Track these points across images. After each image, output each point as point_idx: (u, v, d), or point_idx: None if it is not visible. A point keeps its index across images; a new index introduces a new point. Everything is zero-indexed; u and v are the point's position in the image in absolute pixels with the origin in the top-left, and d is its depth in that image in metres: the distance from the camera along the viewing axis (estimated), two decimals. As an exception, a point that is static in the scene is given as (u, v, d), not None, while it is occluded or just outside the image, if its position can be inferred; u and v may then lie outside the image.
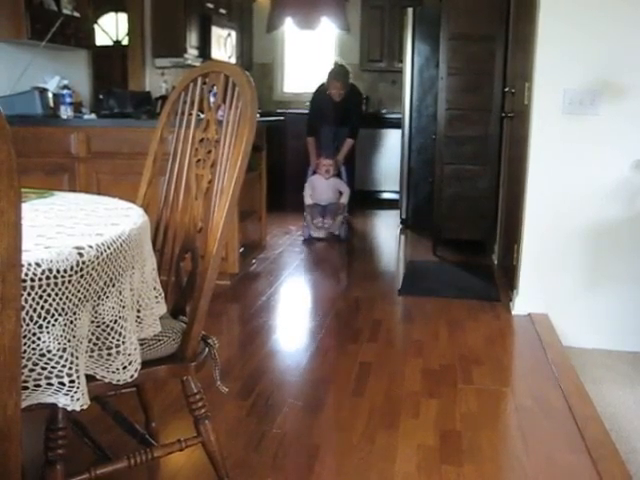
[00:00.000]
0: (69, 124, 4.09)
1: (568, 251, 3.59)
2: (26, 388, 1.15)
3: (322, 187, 5.90)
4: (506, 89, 4.86)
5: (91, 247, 1.22)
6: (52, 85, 4.34)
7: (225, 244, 3.76)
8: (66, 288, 1.15)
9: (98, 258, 1.22)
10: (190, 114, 1.90)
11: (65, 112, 4.19)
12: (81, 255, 1.18)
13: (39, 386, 1.16)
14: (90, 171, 4.02)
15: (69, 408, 1.21)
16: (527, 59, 3.76)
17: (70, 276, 1.16)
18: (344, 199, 5.90)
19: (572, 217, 3.55)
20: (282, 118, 7.08)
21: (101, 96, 4.65)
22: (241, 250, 4.17)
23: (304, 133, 6.30)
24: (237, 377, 2.80)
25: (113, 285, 1.28)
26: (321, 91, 6.17)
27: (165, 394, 2.55)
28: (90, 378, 1.31)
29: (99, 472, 1.61)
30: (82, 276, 1.18)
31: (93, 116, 4.37)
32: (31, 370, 1.14)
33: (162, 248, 1.89)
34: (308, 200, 5.88)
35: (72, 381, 1.18)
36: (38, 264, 1.10)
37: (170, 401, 2.50)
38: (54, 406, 1.24)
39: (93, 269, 1.21)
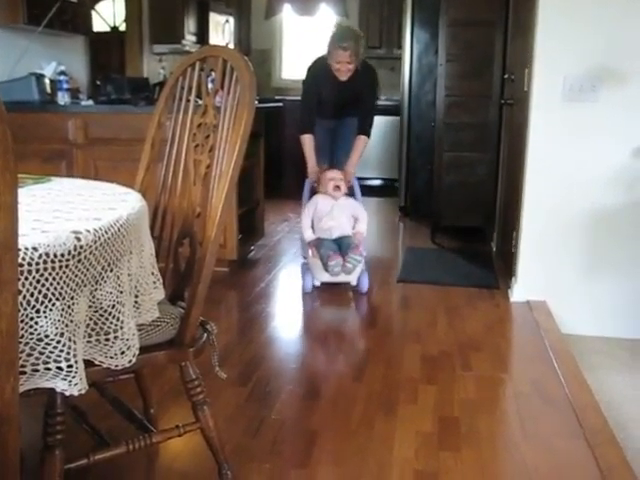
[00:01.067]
0: (66, 110, 4.07)
1: (567, 238, 3.59)
2: (24, 373, 1.15)
3: (331, 212, 3.90)
4: (505, 76, 4.84)
5: (89, 231, 1.21)
6: (49, 71, 4.32)
7: (223, 231, 3.76)
8: (64, 273, 1.14)
9: (96, 242, 1.22)
10: (188, 99, 1.89)
11: (62, 98, 4.17)
12: (79, 239, 1.17)
13: (37, 371, 1.16)
14: (88, 158, 4.01)
15: (67, 393, 1.21)
16: (527, 45, 3.74)
17: (67, 260, 1.15)
18: (361, 226, 3.97)
19: (571, 204, 3.54)
20: (281, 104, 7.06)
21: (98, 82, 4.63)
22: (239, 237, 4.16)
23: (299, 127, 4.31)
24: (236, 363, 2.80)
25: (111, 270, 1.28)
26: (319, 67, 4.13)
27: (164, 380, 2.55)
28: (88, 363, 1.31)
29: (98, 457, 1.61)
30: (80, 261, 1.17)
31: (90, 102, 4.35)
32: (29, 355, 1.14)
33: (160, 234, 1.89)
34: (309, 234, 3.92)
35: (70, 366, 1.18)
36: (35, 248, 1.10)
37: (169, 387, 2.50)
38: (52, 391, 1.24)
39: (91, 254, 1.20)
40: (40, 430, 1.52)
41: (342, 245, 3.78)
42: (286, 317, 3.54)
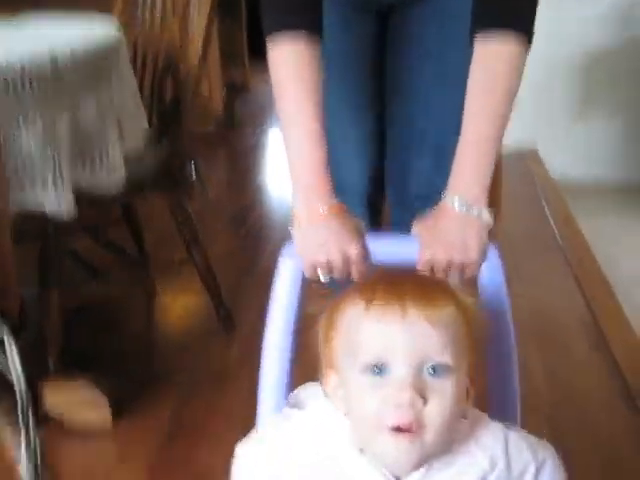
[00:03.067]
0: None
1: (558, 81, 3.51)
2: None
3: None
4: None
5: (66, 53, 1.18)
6: None
7: (208, 82, 3.59)
8: (43, 92, 1.12)
9: (74, 64, 1.19)
10: None
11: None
12: (55, 60, 1.16)
13: (24, 189, 1.14)
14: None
15: (55, 213, 1.20)
16: None
17: (46, 81, 1.13)
18: None
19: (562, 45, 3.43)
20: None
21: None
22: (224, 91, 4.06)
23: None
24: (228, 211, 2.80)
25: (91, 92, 1.25)
26: None
27: (156, 227, 2.51)
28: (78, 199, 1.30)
29: (95, 293, 1.63)
30: (57, 79, 1.15)
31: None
32: (15, 171, 1.12)
33: (143, 68, 1.81)
34: None
35: (56, 183, 1.17)
36: (13, 66, 1.08)
37: (161, 233, 2.45)
38: (45, 229, 1.23)
39: (68, 74, 1.18)
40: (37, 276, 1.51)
41: None
42: (277, 169, 3.51)
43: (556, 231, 2.67)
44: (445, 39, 1.14)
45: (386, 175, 1.25)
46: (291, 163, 0.90)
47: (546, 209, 2.91)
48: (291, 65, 0.90)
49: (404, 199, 1.23)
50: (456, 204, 0.85)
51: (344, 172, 1.06)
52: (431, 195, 0.91)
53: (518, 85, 0.90)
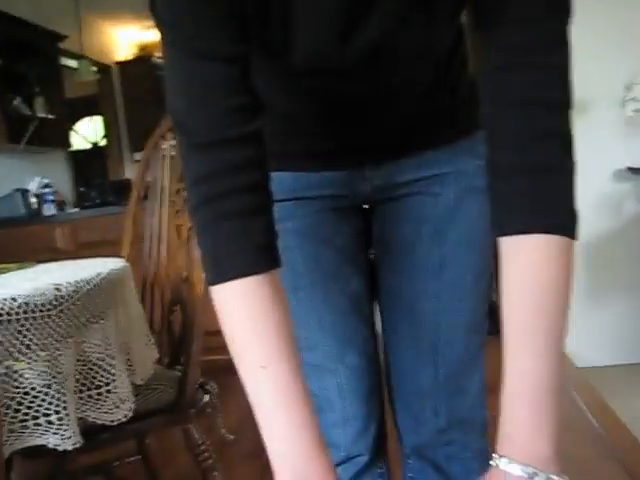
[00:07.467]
0: (53, 220, 4.05)
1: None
2: (13, 431, 1.10)
3: None
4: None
5: (69, 283, 1.19)
6: (33, 186, 4.34)
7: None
8: (45, 323, 1.12)
9: (77, 293, 1.20)
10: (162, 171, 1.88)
11: (48, 209, 4.20)
12: (59, 290, 1.15)
13: (27, 427, 1.11)
14: (77, 264, 2.32)
15: (60, 448, 1.13)
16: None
17: (49, 310, 1.12)
18: None
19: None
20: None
21: (82, 189, 4.62)
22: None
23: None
24: (250, 437, 2.53)
25: (96, 322, 1.26)
26: None
27: (175, 468, 2.35)
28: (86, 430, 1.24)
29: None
30: (62, 311, 1.15)
31: (76, 210, 4.31)
32: (16, 410, 1.10)
33: (152, 304, 1.85)
34: None
35: (60, 419, 1.13)
36: (14, 299, 1.08)
37: (183, 474, 2.31)
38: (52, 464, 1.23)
39: (72, 304, 1.18)
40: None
41: None
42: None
43: (590, 414, 2.59)
44: (444, 250, 0.96)
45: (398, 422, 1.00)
46: (269, 439, 0.68)
47: (574, 394, 2.79)
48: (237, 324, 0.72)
49: (423, 443, 0.95)
50: (513, 468, 0.59)
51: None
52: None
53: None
